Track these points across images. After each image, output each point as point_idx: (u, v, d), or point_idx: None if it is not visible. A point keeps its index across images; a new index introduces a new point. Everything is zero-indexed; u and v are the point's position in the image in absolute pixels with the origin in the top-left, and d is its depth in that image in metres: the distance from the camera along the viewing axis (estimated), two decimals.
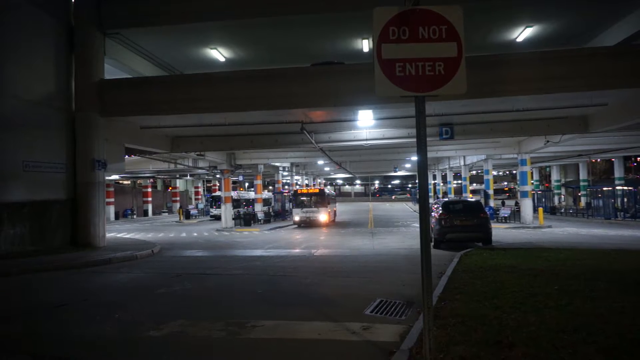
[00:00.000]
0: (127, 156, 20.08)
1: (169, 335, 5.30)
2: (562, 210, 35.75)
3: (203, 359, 4.68)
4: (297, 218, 26.82)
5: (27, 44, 13.33)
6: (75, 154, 14.73)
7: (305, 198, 27.76)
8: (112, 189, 37.90)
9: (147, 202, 45.86)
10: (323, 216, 26.51)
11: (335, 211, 33.06)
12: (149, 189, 46.41)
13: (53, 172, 14.03)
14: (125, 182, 47.78)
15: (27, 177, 13.08)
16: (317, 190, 28.51)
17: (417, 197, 4.77)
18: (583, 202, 38.03)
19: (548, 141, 21.55)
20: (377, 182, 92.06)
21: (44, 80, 13.98)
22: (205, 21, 14.41)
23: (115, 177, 36.50)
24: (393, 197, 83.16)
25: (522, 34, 16.21)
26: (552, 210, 34.67)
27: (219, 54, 17.53)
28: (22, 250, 12.65)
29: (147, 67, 17.83)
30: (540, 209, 25.91)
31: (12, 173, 12.68)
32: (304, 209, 26.81)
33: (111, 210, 36.98)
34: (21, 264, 10.91)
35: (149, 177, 43.71)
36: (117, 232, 23.13)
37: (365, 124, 19.61)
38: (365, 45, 16.88)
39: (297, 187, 44.49)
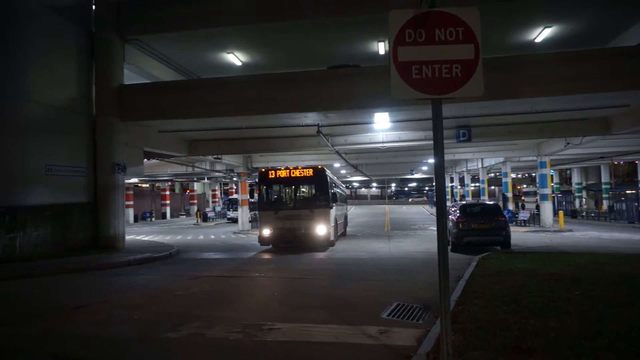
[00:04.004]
0: (145, 159, 20.42)
1: (187, 337, 5.35)
2: (584, 214, 35.02)
3: None
4: (266, 232, 14.45)
5: (50, 50, 13.66)
6: (96, 158, 15.01)
7: (284, 188, 15.81)
8: (131, 192, 38.50)
9: (165, 204, 46.49)
10: (321, 228, 14.11)
11: (346, 216, 22.17)
12: (167, 192, 47.05)
13: (74, 176, 14.33)
14: (144, 185, 48.53)
15: (49, 180, 13.38)
16: (311, 172, 14.95)
17: (434, 200, 4.74)
18: (605, 205, 37.18)
19: (568, 143, 21.18)
20: (393, 184, 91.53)
21: (65, 85, 14.31)
22: (221, 26, 14.58)
23: (134, 180, 37.12)
24: (410, 199, 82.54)
25: (541, 34, 15.97)
26: (572, 214, 33.99)
27: (235, 58, 17.70)
28: (45, 251, 12.93)
29: (165, 72, 18.11)
30: (561, 212, 25.44)
31: (35, 177, 12.99)
32: (281, 212, 14.50)
33: (130, 212, 37.56)
34: (43, 265, 11.15)
35: (167, 180, 44.33)
36: (136, 235, 23.47)
37: (382, 127, 19.56)
38: (381, 47, 16.84)
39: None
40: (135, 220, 39.60)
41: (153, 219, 42.70)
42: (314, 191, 15.81)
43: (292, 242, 14.57)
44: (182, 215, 49.33)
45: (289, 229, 14.31)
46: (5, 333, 5.70)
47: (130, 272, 10.86)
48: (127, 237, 16.82)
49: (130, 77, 16.53)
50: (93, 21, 15.27)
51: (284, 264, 12.08)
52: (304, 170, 15.12)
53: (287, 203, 15.58)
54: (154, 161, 25.61)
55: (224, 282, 9.43)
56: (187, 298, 7.80)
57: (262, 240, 14.75)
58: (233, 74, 18.04)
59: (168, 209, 46.28)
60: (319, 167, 15.28)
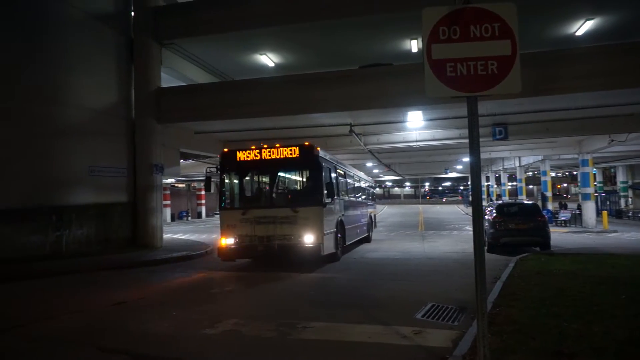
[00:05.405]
0: (182, 160, 20.98)
1: (223, 334, 5.46)
2: (630, 214, 33.40)
3: (255, 357, 4.79)
4: (228, 241, 10.60)
5: (91, 56, 14.25)
6: (135, 159, 15.53)
7: (257, 177, 12.05)
8: (168, 192, 39.55)
9: (200, 204, 47.52)
10: (308, 237, 10.12)
11: (371, 218, 18.12)
12: (203, 192, 48.09)
13: (115, 177, 14.88)
14: (180, 185, 49.78)
15: (92, 181, 13.95)
16: (296, 153, 10.67)
17: (469, 199, 4.65)
18: None
19: (612, 140, 20.28)
20: (427, 184, 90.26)
21: (106, 90, 14.88)
22: (253, 28, 14.77)
23: (171, 180, 38.12)
24: (444, 199, 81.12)
25: (582, 27, 15.34)
26: (617, 214, 32.52)
27: (268, 59, 17.91)
28: (88, 249, 13.50)
29: (200, 75, 18.54)
30: (605, 212, 24.38)
31: (79, 178, 13.59)
32: (251, 212, 10.51)
33: (167, 212, 38.57)
34: (87, 262, 11.65)
35: (202, 181, 45.31)
36: (173, 233, 24.09)
37: (415, 125, 19.34)
38: (414, 45, 16.64)
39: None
40: (172, 219, 40.65)
41: (189, 218, 43.73)
42: (301, 181, 12.20)
43: (266, 256, 10.68)
44: (217, 214, 50.21)
45: (261, 238, 10.25)
46: (54, 326, 6.00)
47: (167, 270, 11.18)
48: (165, 236, 17.31)
49: (167, 80, 17.02)
50: (132, 27, 15.82)
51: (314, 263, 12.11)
52: (286, 149, 10.66)
53: (261, 198, 11.38)
54: (189, 162, 26.23)
55: (257, 280, 9.55)
56: (222, 296, 7.96)
57: (222, 253, 10.64)
58: (266, 75, 18.30)
59: (203, 209, 47.29)
60: (306, 143, 10.75)
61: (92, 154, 14.03)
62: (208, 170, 11.74)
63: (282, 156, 10.69)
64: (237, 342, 5.18)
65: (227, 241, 10.64)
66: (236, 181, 11.68)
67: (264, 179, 11.87)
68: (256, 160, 10.86)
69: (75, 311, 6.87)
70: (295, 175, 12.50)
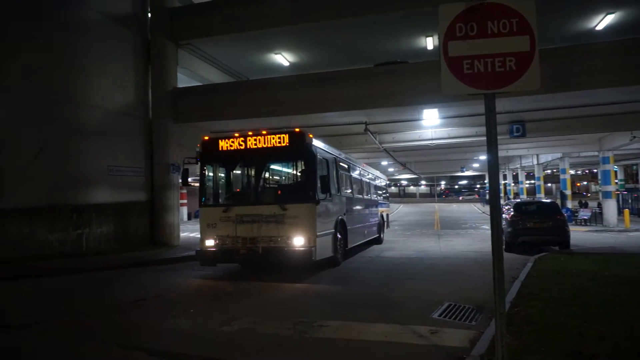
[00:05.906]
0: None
1: (240, 331, 5.50)
2: None
3: (273, 354, 4.82)
4: (209, 243, 9.42)
5: (109, 57, 14.46)
6: (152, 159, 15.74)
7: (241, 169, 10.83)
8: (184, 191, 39.87)
9: None
10: (298, 239, 8.84)
11: (382, 217, 17.00)
12: None
13: (133, 176, 15.10)
14: (197, 184, 50.21)
15: (111, 180, 14.18)
16: (286, 141, 9.21)
17: (487, 197, 4.59)
18: None
19: (634, 137, 19.84)
20: (443, 182, 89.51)
21: (124, 90, 15.10)
22: (268, 27, 14.83)
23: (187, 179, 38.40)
24: (460, 198, 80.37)
25: (602, 21, 15.03)
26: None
27: (283, 58, 17.96)
28: (107, 247, 13.73)
29: (215, 75, 18.68)
30: (626, 211, 23.86)
31: (98, 177, 13.83)
32: (234, 210, 9.24)
33: (184, 211, 38.91)
34: (106, 260, 11.87)
35: None
36: (190, 232, 24.31)
37: (431, 123, 19.17)
38: (429, 42, 16.51)
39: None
40: (189, 218, 40.94)
41: None
42: (292, 173, 10.90)
43: (248, 260, 9.68)
44: None
45: (244, 240, 9.03)
46: (74, 323, 6.13)
47: (184, 268, 11.31)
48: (182, 235, 17.52)
49: (183, 80, 17.19)
50: (148, 28, 16.02)
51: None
52: (274, 137, 9.28)
53: (245, 194, 10.25)
54: None
55: (272, 278, 9.57)
56: (238, 294, 8.01)
57: (202, 257, 9.55)
58: (282, 74, 18.35)
59: None
60: (296, 130, 9.36)
61: (110, 153, 14.26)
62: (186, 161, 10.31)
63: (269, 145, 9.30)
64: (254, 339, 5.21)
65: (208, 242, 9.44)
66: (218, 174, 10.43)
67: (249, 171, 10.48)
68: (240, 149, 9.54)
69: (98, 308, 7.00)
70: (285, 166, 11.13)
